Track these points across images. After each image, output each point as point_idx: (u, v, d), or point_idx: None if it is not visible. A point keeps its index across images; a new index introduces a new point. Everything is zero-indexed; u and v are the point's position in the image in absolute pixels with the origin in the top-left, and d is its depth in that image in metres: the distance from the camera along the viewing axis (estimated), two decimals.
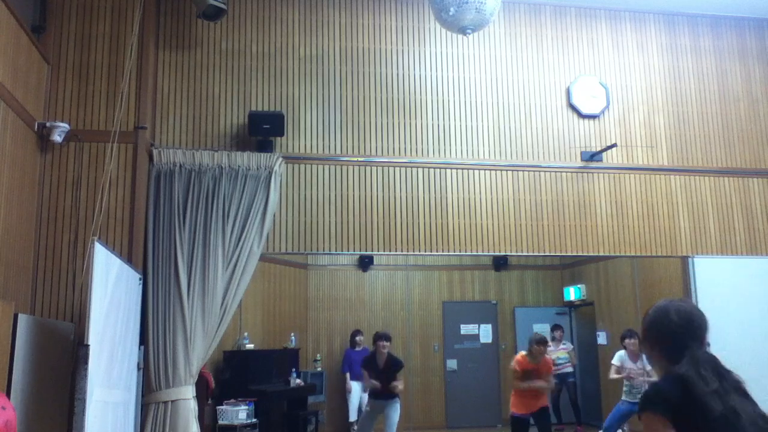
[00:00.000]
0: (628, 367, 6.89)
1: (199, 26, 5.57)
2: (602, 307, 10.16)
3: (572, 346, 10.08)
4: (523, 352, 6.36)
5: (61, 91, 4.92)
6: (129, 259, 4.63)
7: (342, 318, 10.24)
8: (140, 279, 4.73)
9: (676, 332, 2.07)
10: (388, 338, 6.57)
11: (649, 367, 6.50)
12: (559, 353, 9.43)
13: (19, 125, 4.31)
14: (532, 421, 6.33)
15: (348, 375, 9.27)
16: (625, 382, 6.92)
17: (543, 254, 5.77)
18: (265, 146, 5.36)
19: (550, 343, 8.97)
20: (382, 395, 6.52)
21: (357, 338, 9.40)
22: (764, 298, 5.95)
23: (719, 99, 6.36)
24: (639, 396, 7.08)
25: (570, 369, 9.72)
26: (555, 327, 9.90)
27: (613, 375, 7.04)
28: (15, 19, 4.16)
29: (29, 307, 4.46)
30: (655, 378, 6.12)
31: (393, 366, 6.51)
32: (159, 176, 5.07)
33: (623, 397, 6.98)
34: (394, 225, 5.56)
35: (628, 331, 7.06)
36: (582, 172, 5.95)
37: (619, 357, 7.00)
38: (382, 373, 6.49)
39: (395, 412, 6.60)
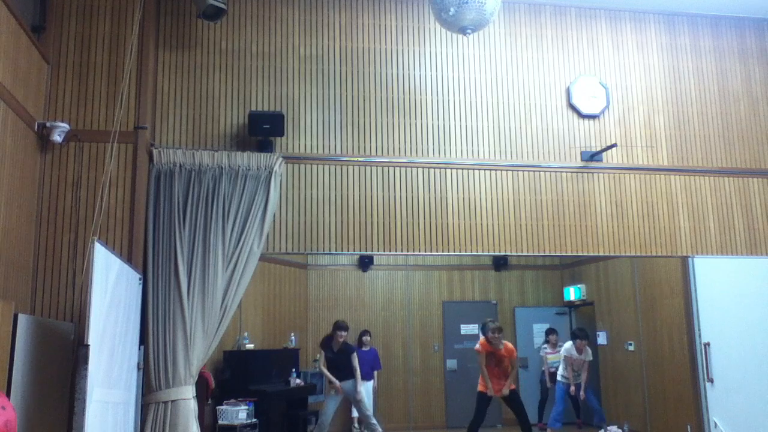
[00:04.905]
0: (574, 357, 8.60)
1: (199, 26, 5.57)
2: (602, 307, 10.16)
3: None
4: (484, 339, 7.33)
5: (61, 91, 4.92)
6: (129, 259, 4.64)
7: (342, 318, 10.19)
8: (140, 279, 4.73)
9: None
10: (346, 329, 7.61)
11: (590, 358, 8.58)
12: (557, 357, 9.37)
13: (19, 125, 4.31)
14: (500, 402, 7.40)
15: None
16: (567, 367, 8.69)
17: (543, 254, 5.77)
18: (265, 146, 5.36)
19: (546, 347, 9.34)
20: (337, 376, 7.42)
21: (364, 338, 9.42)
22: (764, 298, 5.95)
23: (719, 99, 6.36)
24: (577, 378, 8.69)
25: None
26: (549, 331, 9.79)
27: (561, 371, 8.80)
28: (15, 19, 4.16)
29: (29, 307, 4.46)
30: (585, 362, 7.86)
31: (346, 350, 7.55)
32: (159, 176, 5.07)
33: (559, 379, 8.73)
34: (394, 225, 5.56)
35: (582, 331, 8.65)
36: (582, 172, 5.95)
37: (566, 349, 8.69)
38: (337, 355, 7.54)
39: (356, 391, 7.40)
